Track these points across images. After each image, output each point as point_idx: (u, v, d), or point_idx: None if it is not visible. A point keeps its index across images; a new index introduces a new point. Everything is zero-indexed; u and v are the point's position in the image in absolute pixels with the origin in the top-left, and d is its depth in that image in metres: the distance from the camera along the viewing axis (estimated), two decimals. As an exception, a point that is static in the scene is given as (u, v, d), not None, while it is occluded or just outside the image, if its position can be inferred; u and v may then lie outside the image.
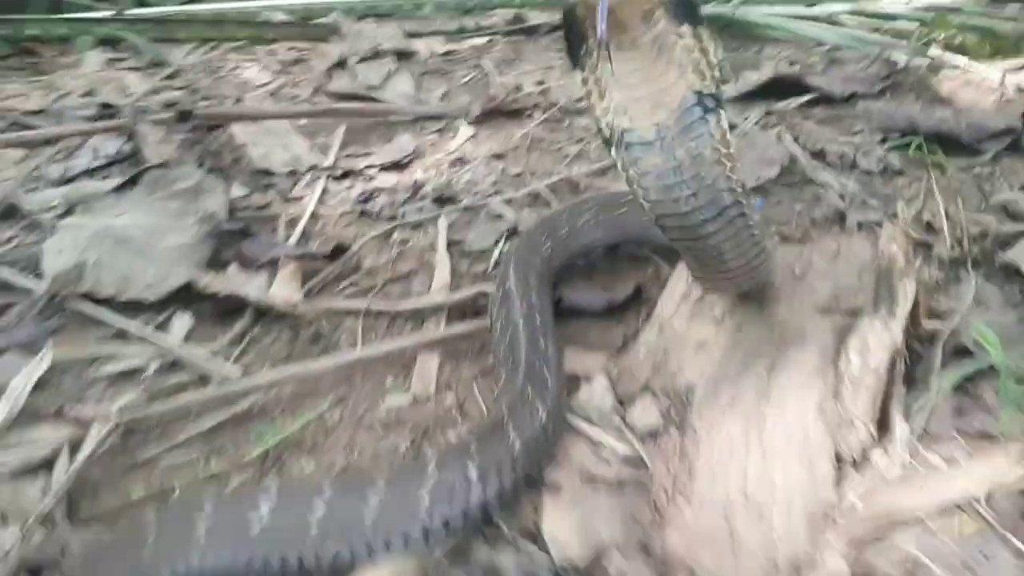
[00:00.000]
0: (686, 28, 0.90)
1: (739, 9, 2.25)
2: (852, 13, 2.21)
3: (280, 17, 2.41)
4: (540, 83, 2.01)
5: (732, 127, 1.67)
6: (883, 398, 0.99)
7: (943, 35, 2.04)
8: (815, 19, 2.24)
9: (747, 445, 0.93)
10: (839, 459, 0.94)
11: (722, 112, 0.92)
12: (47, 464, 1.00)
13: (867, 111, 1.73)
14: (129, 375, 1.14)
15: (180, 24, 2.30)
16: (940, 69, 1.90)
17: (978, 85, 1.82)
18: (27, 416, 1.06)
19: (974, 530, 0.88)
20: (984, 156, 1.52)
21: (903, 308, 1.01)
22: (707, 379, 1.02)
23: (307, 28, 2.35)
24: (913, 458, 0.95)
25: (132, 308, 1.24)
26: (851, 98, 1.80)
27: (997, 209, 1.33)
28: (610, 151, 0.95)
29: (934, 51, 1.96)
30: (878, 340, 0.99)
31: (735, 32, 2.21)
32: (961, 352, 1.04)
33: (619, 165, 0.95)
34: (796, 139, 1.62)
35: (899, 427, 0.97)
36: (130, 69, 2.12)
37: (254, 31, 2.30)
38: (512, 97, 1.88)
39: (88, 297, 1.25)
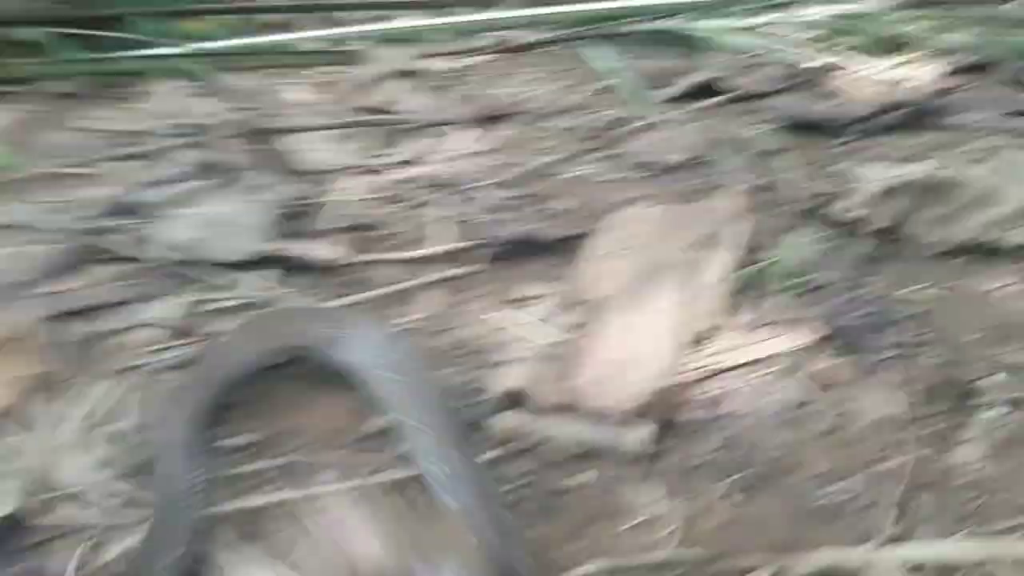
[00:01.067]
0: None
1: (685, 24, 2.76)
2: (780, 23, 2.71)
3: (310, 46, 2.95)
4: (528, 92, 2.54)
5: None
6: (728, 299, 1.52)
7: (842, 39, 2.55)
8: (748, 29, 2.74)
9: (631, 328, 1.46)
10: (694, 339, 1.47)
11: None
12: (184, 364, 1.55)
13: (774, 105, 2.24)
14: (225, 311, 1.69)
15: (231, 56, 2.85)
16: (833, 69, 2.41)
17: (861, 81, 2.33)
18: (171, 336, 1.61)
19: (771, 378, 1.41)
20: (844, 138, 2.04)
21: (740, 239, 1.54)
22: (612, 293, 1.55)
23: (335, 55, 2.89)
24: (744, 337, 1.48)
25: (226, 268, 1.78)
26: (760, 96, 2.31)
27: (836, 175, 1.85)
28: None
29: (831, 54, 2.47)
30: (720, 262, 1.52)
31: (679, 44, 2.73)
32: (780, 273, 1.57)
33: None
34: (710, 130, 2.14)
35: (743, 315, 1.50)
36: (194, 95, 2.67)
37: (292, 59, 2.84)
38: (503, 104, 2.41)
39: (192, 262, 1.80)
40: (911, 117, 2.07)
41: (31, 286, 1.74)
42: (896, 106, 2.09)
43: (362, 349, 1.40)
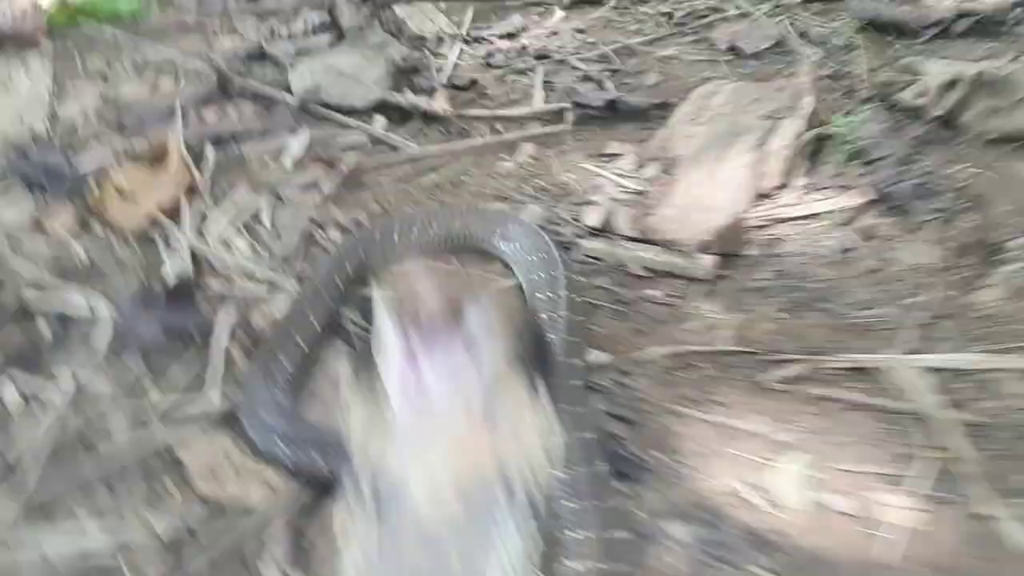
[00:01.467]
0: None
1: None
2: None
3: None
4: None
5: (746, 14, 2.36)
6: (791, 163, 1.72)
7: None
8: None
9: (705, 181, 1.67)
10: (759, 194, 1.68)
11: None
12: (315, 185, 1.81)
13: (850, 6, 2.39)
14: (351, 148, 1.94)
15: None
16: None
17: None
18: (301, 164, 1.87)
19: (822, 229, 1.61)
20: (918, 39, 2.19)
21: (804, 112, 1.73)
22: (689, 153, 1.76)
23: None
24: (804, 194, 1.68)
25: (349, 112, 2.03)
26: (840, -1, 2.46)
27: (903, 69, 2.01)
28: None
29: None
30: (788, 131, 1.72)
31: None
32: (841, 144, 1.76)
33: None
34: (792, 24, 2.30)
35: (800, 179, 1.71)
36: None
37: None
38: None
39: (322, 104, 2.04)
40: (981, 24, 2.20)
41: (183, 113, 2.01)
42: (968, 14, 2.22)
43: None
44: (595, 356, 1.36)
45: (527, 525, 0.82)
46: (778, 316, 1.43)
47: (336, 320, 1.45)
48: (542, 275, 1.42)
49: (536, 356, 1.12)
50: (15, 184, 1.81)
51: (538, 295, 1.40)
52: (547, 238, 1.47)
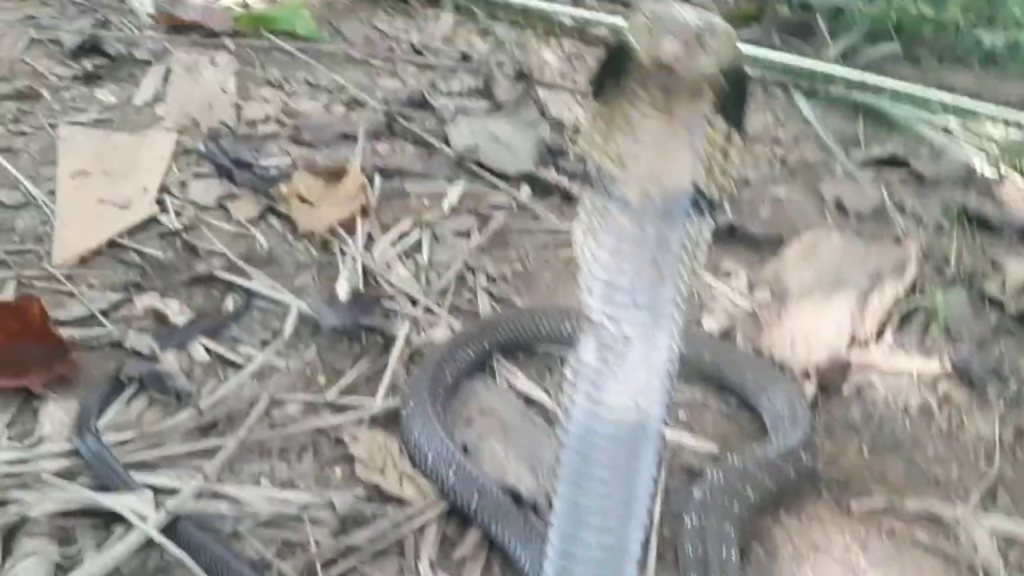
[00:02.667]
0: (722, 123, 0.89)
1: (884, 103, 3.17)
2: (961, 129, 3.11)
3: (567, 21, 3.43)
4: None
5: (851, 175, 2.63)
6: (885, 320, 1.95)
7: (1011, 159, 2.93)
8: (933, 125, 3.14)
9: (811, 317, 1.90)
10: (853, 339, 1.91)
11: (708, 222, 0.92)
12: (468, 233, 2.03)
13: (942, 192, 2.65)
14: (498, 206, 2.16)
15: (500, 7, 3.33)
16: (1004, 180, 2.80)
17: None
18: (456, 211, 2.09)
19: (905, 385, 1.84)
20: (1004, 237, 2.44)
21: (906, 279, 1.98)
22: (798, 288, 1.99)
23: (585, 33, 3.36)
24: (890, 350, 1.91)
25: (499, 175, 2.26)
26: (936, 181, 2.71)
27: (987, 261, 2.26)
28: (583, 189, 0.94)
29: (1005, 166, 2.86)
30: (889, 291, 1.96)
31: (876, 118, 3.13)
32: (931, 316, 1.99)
33: (584, 205, 0.93)
34: (890, 194, 2.56)
35: (888, 336, 1.93)
36: (470, 31, 3.16)
37: (549, 26, 3.31)
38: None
39: (477, 163, 2.28)
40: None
41: (354, 140, 2.24)
42: (1051, 226, 2.48)
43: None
44: (705, 446, 1.57)
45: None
46: (863, 452, 1.64)
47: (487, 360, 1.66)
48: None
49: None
50: (207, 167, 2.03)
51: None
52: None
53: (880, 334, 1.94)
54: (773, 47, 3.55)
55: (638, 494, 0.98)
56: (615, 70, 0.88)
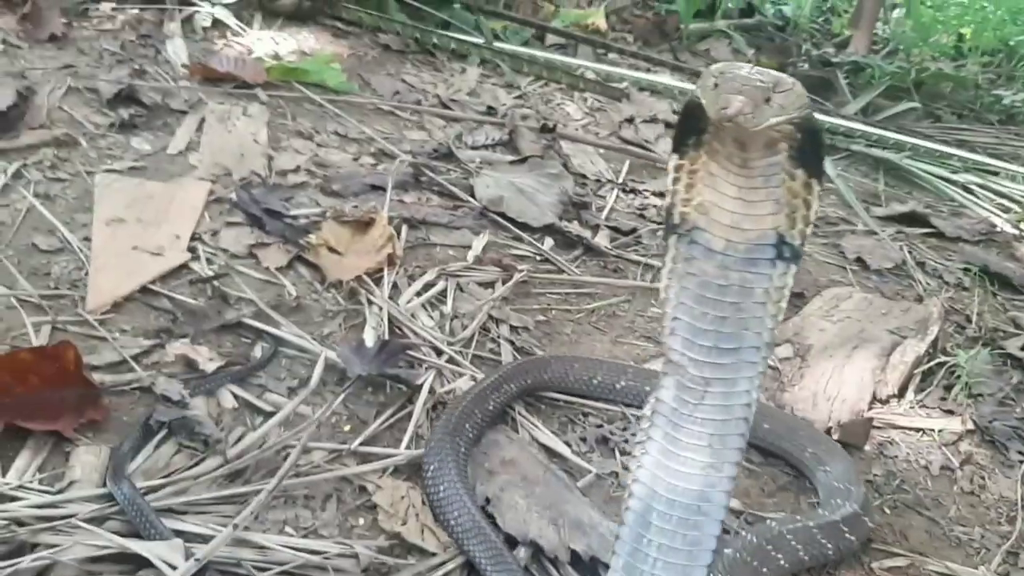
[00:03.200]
0: (801, 173, 0.94)
1: (903, 160, 3.20)
2: (980, 186, 3.13)
3: (590, 75, 3.49)
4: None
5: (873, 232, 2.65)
6: (907, 378, 1.95)
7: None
8: (953, 183, 3.17)
9: (833, 374, 1.91)
10: (875, 397, 1.91)
11: (792, 268, 0.96)
12: (492, 283, 2.06)
13: (963, 249, 2.67)
14: (522, 257, 2.20)
15: (525, 62, 3.40)
16: (1022, 239, 2.81)
17: (1044, 256, 2.74)
18: (480, 262, 2.12)
19: (927, 443, 1.84)
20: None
21: (928, 338, 1.98)
22: (821, 345, 2.00)
23: (607, 87, 3.41)
24: (911, 409, 1.91)
25: (523, 227, 2.29)
26: (956, 239, 2.73)
27: (1008, 320, 2.27)
28: (668, 237, 1.00)
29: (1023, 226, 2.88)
30: (911, 350, 1.96)
31: (896, 174, 3.17)
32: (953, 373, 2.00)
33: (670, 255, 0.99)
34: (911, 252, 2.58)
35: (909, 394, 1.94)
36: (496, 84, 3.23)
37: (572, 80, 3.37)
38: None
39: (501, 215, 2.31)
40: (1082, 298, 2.47)
41: (383, 191, 2.28)
42: (1071, 286, 2.49)
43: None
44: (727, 501, 1.57)
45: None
46: (884, 510, 1.64)
47: (507, 410, 1.68)
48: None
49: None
50: (238, 216, 2.08)
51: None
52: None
53: (902, 392, 1.94)
54: (794, 103, 3.60)
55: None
56: (691, 126, 0.96)
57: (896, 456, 1.78)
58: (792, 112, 0.89)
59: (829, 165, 3.13)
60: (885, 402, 1.91)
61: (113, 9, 3.03)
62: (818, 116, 3.14)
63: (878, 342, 2.00)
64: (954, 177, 3.17)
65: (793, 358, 1.97)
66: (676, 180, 0.99)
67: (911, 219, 2.80)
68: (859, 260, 2.47)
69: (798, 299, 2.21)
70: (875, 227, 2.70)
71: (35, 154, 2.15)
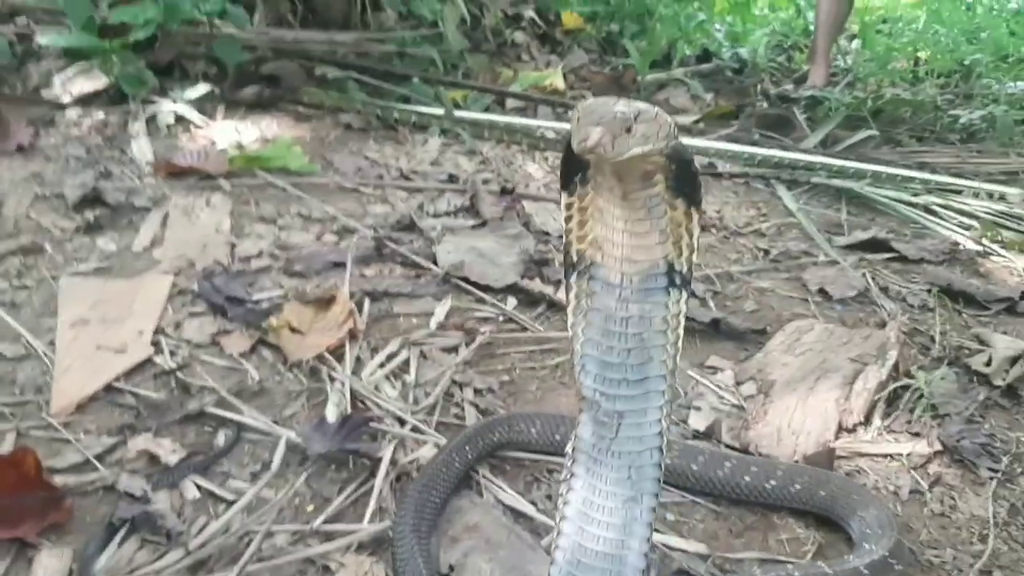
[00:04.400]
0: (681, 202, 0.98)
1: (864, 188, 3.24)
2: (942, 206, 3.16)
3: (550, 134, 3.56)
4: (718, 211, 3.05)
5: (835, 262, 2.67)
6: (871, 405, 1.96)
7: (993, 233, 2.97)
8: (915, 205, 3.20)
9: (797, 407, 1.92)
10: (840, 427, 1.92)
11: (684, 293, 1.01)
12: (455, 348, 2.08)
13: (926, 271, 2.69)
14: (485, 319, 2.23)
15: (486, 127, 3.47)
16: (985, 255, 2.84)
17: (1007, 269, 2.75)
18: (443, 327, 2.15)
19: (895, 468, 1.84)
20: (989, 311, 2.46)
21: (889, 363, 2.00)
22: (784, 379, 2.02)
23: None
24: (877, 435, 1.91)
25: (485, 289, 2.33)
26: (920, 261, 2.76)
27: (972, 337, 2.28)
28: (569, 275, 1.03)
29: (986, 240, 2.90)
30: (873, 376, 1.98)
31: (858, 202, 3.20)
32: (916, 396, 2.00)
33: (573, 292, 1.03)
34: (873, 278, 2.60)
35: (876, 420, 1.94)
36: (457, 152, 3.29)
37: (533, 141, 3.44)
38: (705, 218, 2.93)
39: (463, 279, 2.35)
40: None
41: (344, 267, 2.32)
42: (1032, 296, 2.51)
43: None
44: (694, 546, 1.58)
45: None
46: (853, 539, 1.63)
47: (470, 474, 1.69)
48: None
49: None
50: (201, 306, 2.12)
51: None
52: None
53: (868, 419, 1.95)
54: (753, 142, 3.67)
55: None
56: (574, 164, 1.00)
57: (864, 484, 1.78)
58: (658, 142, 0.92)
59: (790, 199, 3.18)
60: (852, 431, 1.92)
61: (79, 115, 3.12)
62: (776, 152, 3.19)
63: (840, 371, 2.01)
64: (916, 200, 3.20)
65: (756, 395, 1.98)
66: (569, 218, 1.02)
67: (873, 245, 2.83)
68: (821, 291, 2.50)
69: (760, 335, 2.23)
70: (837, 257, 2.72)
71: (2, 264, 2.20)
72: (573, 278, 1.03)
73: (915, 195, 3.23)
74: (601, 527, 1.01)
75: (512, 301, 2.31)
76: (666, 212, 0.98)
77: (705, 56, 4.93)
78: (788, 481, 1.68)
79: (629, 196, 0.96)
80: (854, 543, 1.61)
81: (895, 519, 1.60)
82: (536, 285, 2.36)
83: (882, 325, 2.29)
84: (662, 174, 0.96)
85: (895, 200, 3.20)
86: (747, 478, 1.68)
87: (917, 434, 1.92)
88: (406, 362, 2.01)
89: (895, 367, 2.03)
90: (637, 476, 1.01)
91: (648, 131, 0.90)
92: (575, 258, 1.02)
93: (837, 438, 1.89)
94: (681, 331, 1.02)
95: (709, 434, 1.86)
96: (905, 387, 2.03)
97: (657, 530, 1.59)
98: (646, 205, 0.97)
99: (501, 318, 2.24)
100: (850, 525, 1.64)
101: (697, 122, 4.00)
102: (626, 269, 0.99)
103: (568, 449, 1.05)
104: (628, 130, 0.89)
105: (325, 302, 2.12)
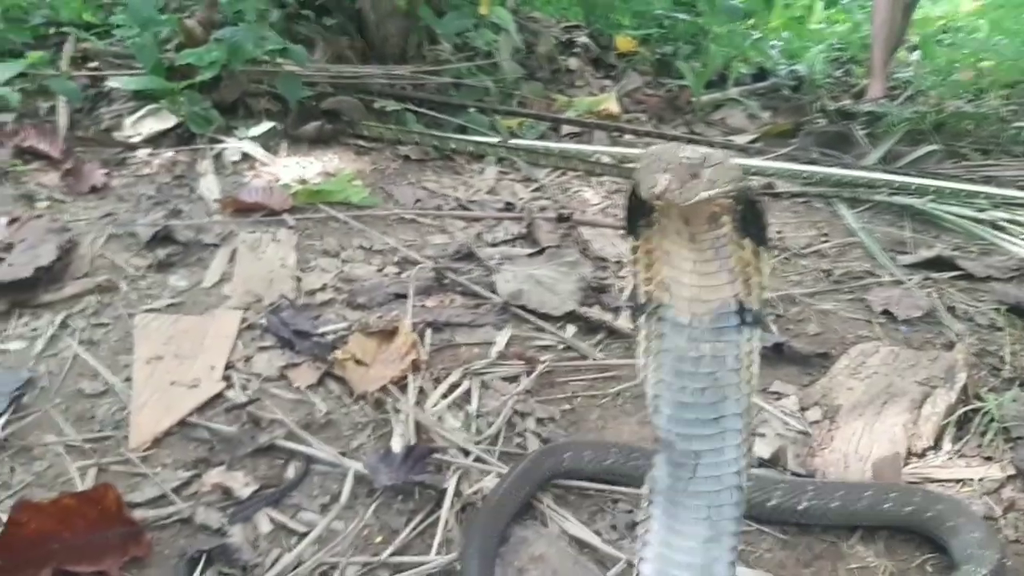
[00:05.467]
0: (748, 243, 0.99)
1: (927, 204, 3.19)
2: (1009, 222, 3.10)
3: (606, 159, 3.58)
4: (779, 232, 3.03)
5: (900, 282, 2.63)
6: (940, 429, 1.93)
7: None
8: (981, 221, 3.14)
9: (863, 432, 1.90)
10: (909, 452, 1.89)
11: (757, 332, 1.01)
12: (516, 377, 2.11)
13: (994, 288, 2.63)
14: (545, 348, 2.24)
15: (541, 155, 3.50)
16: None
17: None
18: (503, 357, 2.18)
19: (967, 494, 1.80)
20: (1061, 332, 2.41)
21: (958, 385, 1.96)
22: (849, 404, 1.99)
23: (623, 169, 3.49)
24: (947, 460, 1.88)
25: (544, 317, 2.35)
26: (987, 279, 2.70)
27: (1048, 361, 2.23)
28: (637, 318, 1.04)
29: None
30: (941, 400, 1.94)
31: (922, 219, 3.15)
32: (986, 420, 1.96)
33: (642, 334, 1.04)
34: (940, 297, 2.56)
35: (946, 445, 1.91)
36: (513, 180, 3.33)
37: (589, 166, 3.46)
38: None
39: (522, 307, 2.37)
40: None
41: (405, 298, 2.36)
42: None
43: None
44: (761, 576, 1.57)
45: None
46: (927, 570, 1.61)
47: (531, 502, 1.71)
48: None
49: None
50: (270, 339, 2.17)
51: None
52: None
53: (938, 444, 1.92)
54: (812, 160, 3.64)
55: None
56: (638, 208, 1.01)
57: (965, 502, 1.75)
58: (724, 185, 0.94)
59: (851, 218, 3.14)
60: (921, 455, 1.89)
61: (149, 154, 3.23)
62: (835, 170, 3.16)
63: (907, 395, 1.98)
64: (982, 216, 3.14)
65: (822, 420, 1.96)
66: (635, 261, 1.05)
67: (939, 264, 2.78)
68: (886, 312, 2.46)
69: (824, 359, 2.21)
70: (901, 276, 2.68)
71: (79, 303, 2.29)
72: (642, 320, 1.04)
73: (981, 210, 3.17)
74: (681, 568, 1.01)
75: (571, 329, 2.32)
76: (734, 252, 0.99)
77: (761, 75, 4.91)
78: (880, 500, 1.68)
79: (696, 238, 0.98)
80: (956, 564, 1.59)
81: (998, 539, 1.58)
82: (595, 312, 2.38)
83: (949, 346, 2.25)
84: (728, 215, 0.98)
85: (960, 216, 3.14)
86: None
87: (989, 458, 1.89)
88: (468, 392, 2.04)
89: (964, 390, 1.99)
90: (716, 516, 1.02)
91: (715, 175, 0.92)
92: (643, 300, 1.04)
93: (906, 464, 1.86)
94: (756, 369, 1.03)
95: (774, 461, 1.85)
96: (975, 410, 1.99)
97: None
98: (713, 246, 0.99)
99: (561, 346, 2.25)
100: (950, 544, 1.62)
101: (754, 142, 3.98)
102: (696, 309, 1.01)
103: (644, 491, 1.06)
104: (695, 175, 0.90)
105: (388, 334, 2.16)
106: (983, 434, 1.94)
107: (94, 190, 2.92)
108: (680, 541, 1.05)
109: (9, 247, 2.45)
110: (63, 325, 2.19)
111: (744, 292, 1.01)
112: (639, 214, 1.02)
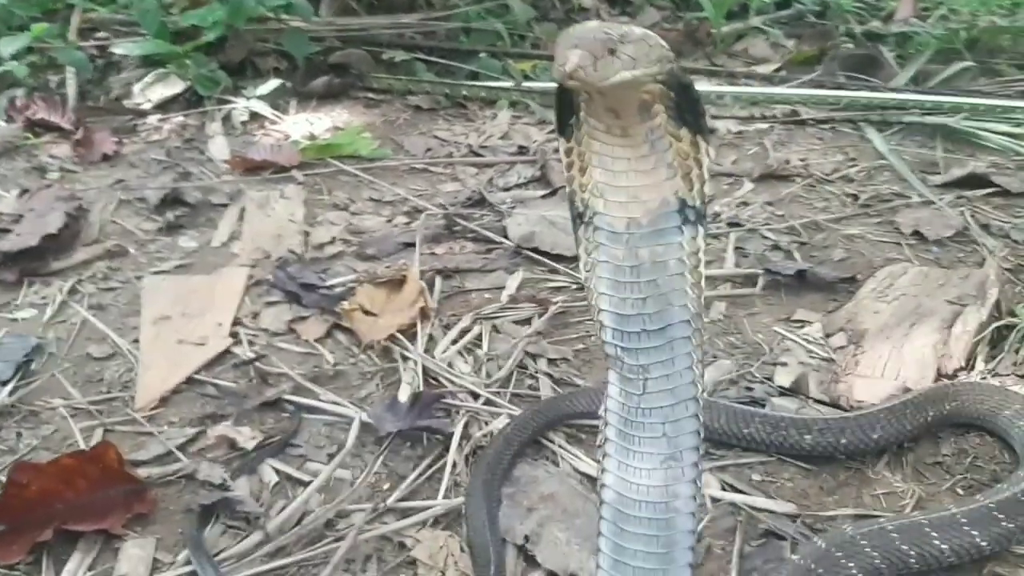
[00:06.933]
0: (685, 132, 0.91)
1: (961, 123, 3.04)
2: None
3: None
4: (803, 159, 2.91)
5: (929, 202, 2.52)
6: (973, 348, 1.83)
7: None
8: (1018, 136, 2.98)
9: (891, 356, 1.81)
10: (939, 373, 1.80)
11: (701, 229, 0.94)
12: (528, 320, 2.05)
13: (1032, 204, 2.51)
14: (558, 289, 2.18)
15: (551, 95, 3.41)
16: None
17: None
18: (515, 300, 2.12)
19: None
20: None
21: (989, 302, 1.86)
22: (876, 327, 1.90)
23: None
24: (981, 379, 1.79)
25: (557, 258, 2.28)
26: (1022, 195, 2.57)
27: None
28: (576, 229, 0.96)
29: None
30: (972, 317, 1.85)
31: (955, 139, 3.01)
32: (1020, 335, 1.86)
33: (582, 246, 0.96)
34: (973, 215, 2.44)
35: (979, 364, 1.82)
36: (528, 124, 3.24)
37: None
38: (782, 166, 2.80)
39: (534, 250, 2.31)
40: None
41: (415, 247, 2.31)
42: None
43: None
44: (782, 506, 1.50)
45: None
46: (958, 493, 1.53)
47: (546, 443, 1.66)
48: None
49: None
50: (277, 295, 2.14)
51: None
52: None
53: (969, 363, 1.82)
54: (839, 85, 3.49)
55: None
56: (568, 104, 0.93)
57: (969, 433, 1.66)
58: (649, 66, 0.85)
59: (880, 141, 3.00)
60: (953, 377, 1.79)
61: (159, 120, 3.21)
62: (863, 93, 3.02)
63: (937, 315, 1.89)
64: (1018, 131, 2.98)
65: (847, 346, 1.88)
66: (570, 165, 0.96)
67: (972, 182, 2.65)
68: (916, 233, 2.35)
69: (850, 284, 2.11)
70: (932, 196, 2.56)
71: (89, 269, 2.28)
72: (581, 230, 0.96)
73: (1018, 125, 3.01)
74: (641, 492, 0.95)
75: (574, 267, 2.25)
76: (671, 144, 0.91)
77: (785, 2, 4.72)
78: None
79: (629, 132, 0.90)
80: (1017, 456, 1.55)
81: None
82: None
83: (982, 264, 2.14)
84: (661, 103, 0.89)
85: (995, 133, 2.98)
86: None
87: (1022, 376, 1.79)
88: (478, 337, 1.99)
89: (997, 306, 1.89)
90: (673, 432, 0.95)
91: (636, 53, 0.83)
92: (581, 208, 0.96)
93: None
94: (703, 271, 0.95)
95: (795, 390, 1.77)
96: (1009, 327, 1.88)
97: (741, 491, 1.54)
98: (648, 140, 0.91)
99: (574, 286, 2.18)
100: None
101: (778, 70, 3.82)
102: (633, 212, 0.92)
103: (601, 412, 0.99)
104: (612, 52, 0.82)
105: (397, 283, 2.11)
106: (1018, 351, 1.84)
107: (105, 158, 2.91)
108: (638, 463, 0.97)
109: (19, 219, 2.44)
110: (72, 291, 2.17)
111: (685, 187, 0.93)
112: (568, 111, 0.94)
